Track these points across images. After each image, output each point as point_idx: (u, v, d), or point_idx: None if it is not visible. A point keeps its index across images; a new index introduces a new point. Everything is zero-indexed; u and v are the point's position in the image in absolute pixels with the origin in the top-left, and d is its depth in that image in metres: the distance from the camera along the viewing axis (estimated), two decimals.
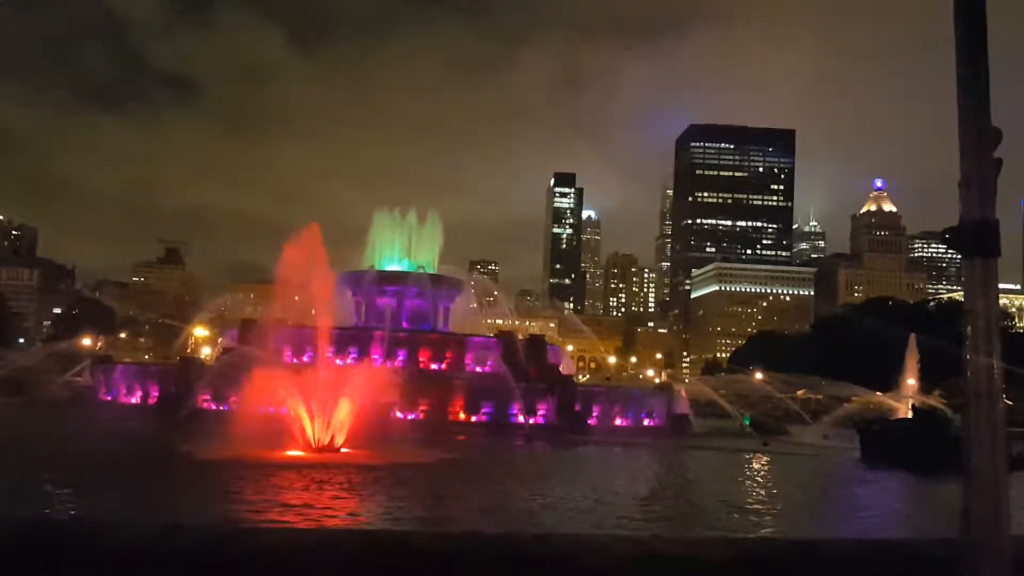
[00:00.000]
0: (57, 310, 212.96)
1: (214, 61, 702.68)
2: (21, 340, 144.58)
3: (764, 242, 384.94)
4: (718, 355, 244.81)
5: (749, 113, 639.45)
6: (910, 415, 45.53)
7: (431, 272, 66.45)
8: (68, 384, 60.45)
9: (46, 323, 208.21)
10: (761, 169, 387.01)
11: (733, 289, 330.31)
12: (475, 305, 74.37)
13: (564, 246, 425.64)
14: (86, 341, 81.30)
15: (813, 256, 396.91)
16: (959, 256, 4.14)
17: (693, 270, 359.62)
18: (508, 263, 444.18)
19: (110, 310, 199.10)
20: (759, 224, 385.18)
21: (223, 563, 4.43)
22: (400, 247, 68.69)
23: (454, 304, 67.59)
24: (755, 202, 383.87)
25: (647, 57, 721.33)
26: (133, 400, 52.75)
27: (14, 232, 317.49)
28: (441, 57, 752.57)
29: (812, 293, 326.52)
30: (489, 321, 75.51)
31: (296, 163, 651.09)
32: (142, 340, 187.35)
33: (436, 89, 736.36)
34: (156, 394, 51.94)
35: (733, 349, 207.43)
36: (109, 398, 53.45)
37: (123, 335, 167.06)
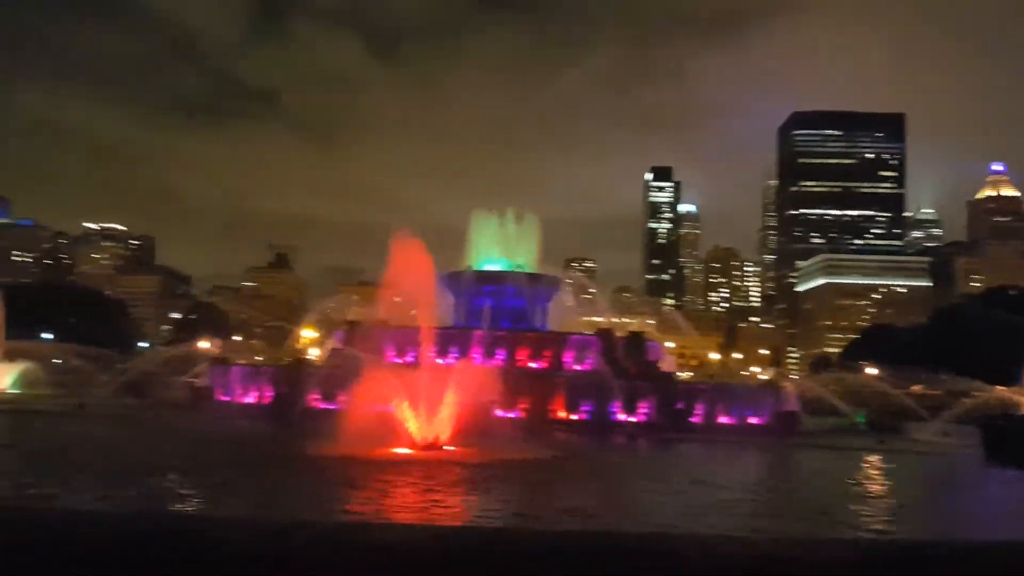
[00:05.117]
0: (175, 315, 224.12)
1: (296, 73, 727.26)
2: (143, 344, 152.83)
3: (874, 231, 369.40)
4: (827, 350, 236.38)
5: (853, 99, 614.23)
6: None
7: (528, 271, 66.71)
8: (188, 385, 63.38)
9: (165, 327, 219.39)
10: (870, 155, 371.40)
11: (842, 281, 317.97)
12: (572, 303, 74.21)
13: (662, 241, 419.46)
14: (203, 344, 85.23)
15: (928, 245, 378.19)
16: None
17: (798, 262, 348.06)
18: (604, 260, 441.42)
19: (224, 314, 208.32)
20: (869, 213, 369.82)
21: (337, 559, 4.57)
22: (498, 247, 69.24)
23: (552, 302, 67.65)
24: (864, 190, 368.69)
25: (729, 49, 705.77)
26: (249, 400, 54.86)
27: (133, 241, 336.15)
28: (519, 57, 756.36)
29: (928, 284, 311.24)
30: (586, 319, 75.12)
31: (382, 168, 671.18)
32: (254, 342, 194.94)
33: (517, 89, 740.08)
34: (270, 394, 53.90)
35: (843, 344, 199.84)
36: (226, 398, 55.70)
37: (237, 338, 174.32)
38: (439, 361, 43.55)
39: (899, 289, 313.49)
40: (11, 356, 69.89)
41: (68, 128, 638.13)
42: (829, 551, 4.72)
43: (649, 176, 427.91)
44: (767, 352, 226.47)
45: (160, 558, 4.50)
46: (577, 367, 54.63)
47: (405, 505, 18.86)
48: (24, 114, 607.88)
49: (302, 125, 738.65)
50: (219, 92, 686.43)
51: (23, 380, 66.75)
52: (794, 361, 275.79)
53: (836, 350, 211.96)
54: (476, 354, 51.84)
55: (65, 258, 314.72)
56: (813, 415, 59.19)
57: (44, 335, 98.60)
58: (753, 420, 52.43)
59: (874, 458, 37.24)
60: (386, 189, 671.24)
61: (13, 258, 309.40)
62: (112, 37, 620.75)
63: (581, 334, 60.08)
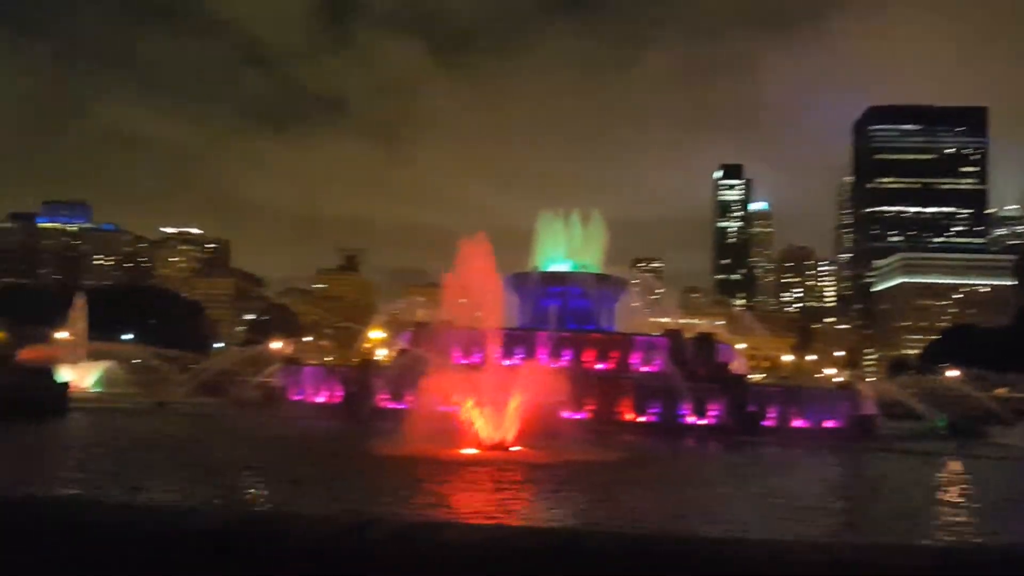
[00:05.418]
0: (249, 316, 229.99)
1: (361, 78, 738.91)
2: (218, 345, 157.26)
3: (955, 229, 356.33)
4: (905, 352, 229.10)
5: (932, 93, 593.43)
6: None
7: (595, 272, 66.35)
8: (262, 385, 64.92)
9: (239, 328, 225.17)
10: (950, 150, 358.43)
11: (921, 281, 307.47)
12: (640, 304, 73.52)
13: (732, 240, 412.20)
14: (276, 344, 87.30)
15: (1012, 243, 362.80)
16: None
17: (875, 261, 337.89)
18: (672, 260, 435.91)
19: (296, 315, 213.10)
20: (949, 209, 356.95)
21: (409, 557, 4.56)
22: (564, 248, 69.05)
23: (618, 303, 67.11)
24: (944, 186, 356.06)
25: (800, 43, 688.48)
26: (320, 399, 55.91)
27: (209, 245, 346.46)
28: (583, 57, 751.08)
29: (1012, 283, 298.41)
30: (654, 320, 74.29)
31: (447, 170, 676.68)
32: (324, 343, 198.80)
33: (582, 89, 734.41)
34: (340, 394, 54.83)
35: (923, 345, 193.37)
36: (298, 398, 56.86)
37: (308, 338, 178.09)
38: (505, 362, 43.64)
39: (981, 288, 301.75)
40: (94, 356, 72.78)
41: (146, 136, 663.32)
42: (906, 558, 4.51)
43: (718, 174, 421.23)
44: (843, 354, 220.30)
45: (235, 552, 4.57)
46: (645, 369, 54.07)
47: (472, 505, 18.92)
48: (104, 123, 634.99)
49: (368, 129, 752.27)
50: (288, 98, 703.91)
51: (105, 379, 69.46)
52: (871, 363, 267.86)
53: (915, 352, 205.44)
54: (542, 355, 51.75)
55: (144, 261, 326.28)
56: (891, 419, 57.36)
57: (125, 336, 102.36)
58: (828, 424, 51.04)
59: (956, 464, 35.87)
60: (451, 191, 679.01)
61: (95, 261, 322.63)
62: (185, 47, 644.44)
63: (648, 335, 59.43)
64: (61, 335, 79.57)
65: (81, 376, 65.58)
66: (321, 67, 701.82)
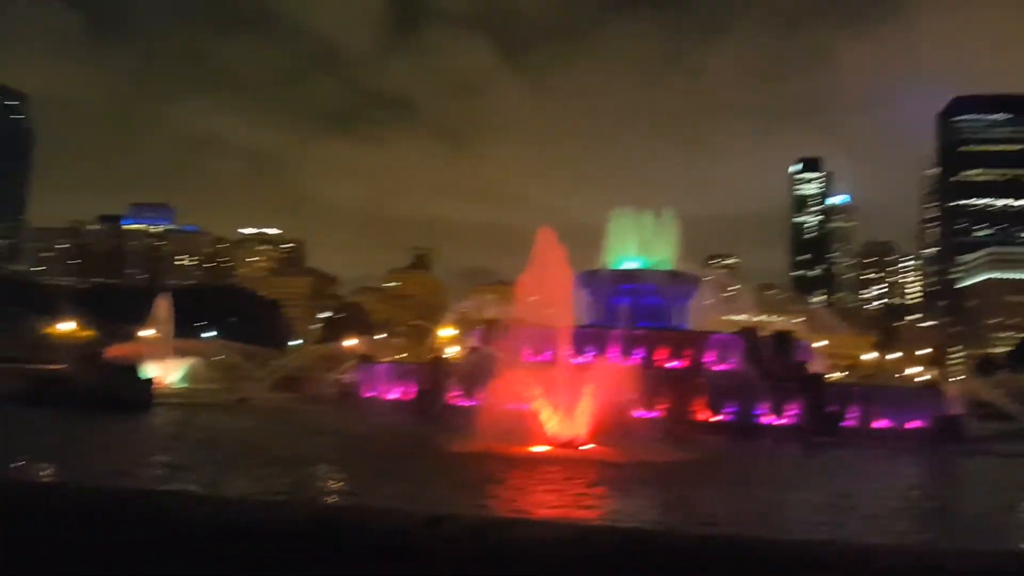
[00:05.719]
0: (324, 314, 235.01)
1: (429, 79, 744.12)
2: (295, 342, 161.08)
3: None
4: (993, 350, 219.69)
5: (1017, 82, 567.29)
6: None
7: (667, 269, 65.57)
8: (337, 382, 66.27)
9: (314, 326, 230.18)
10: None
11: (1011, 276, 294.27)
12: (713, 301, 72.31)
13: (811, 235, 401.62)
14: (350, 342, 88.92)
15: None
16: None
17: (962, 256, 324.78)
18: (748, 256, 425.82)
19: (368, 313, 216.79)
20: None
21: (481, 553, 4.54)
22: (636, 245, 68.45)
23: (691, 300, 66.17)
24: None
25: (882, 32, 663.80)
26: (393, 396, 56.71)
27: (285, 245, 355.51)
28: (655, 52, 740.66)
29: None
30: (729, 317, 72.94)
31: (515, 168, 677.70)
32: (396, 341, 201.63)
33: (654, 84, 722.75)
34: (412, 391, 55.51)
35: (1012, 344, 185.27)
36: (372, 394, 57.81)
37: (381, 336, 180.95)
38: (576, 360, 43.40)
39: None
40: (178, 353, 75.42)
41: (225, 138, 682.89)
42: (989, 562, 4.26)
43: (795, 168, 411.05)
44: (927, 352, 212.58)
45: (307, 546, 4.60)
46: (719, 367, 53.14)
47: (542, 502, 18.87)
48: (185, 126, 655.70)
49: (437, 129, 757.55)
50: (358, 99, 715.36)
51: (189, 376, 71.91)
52: (957, 362, 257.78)
53: (1004, 350, 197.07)
54: (613, 353, 51.33)
55: (225, 261, 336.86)
56: (979, 420, 55.03)
57: (206, 333, 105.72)
58: (912, 425, 49.26)
59: None
60: (520, 189, 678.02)
61: (178, 262, 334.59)
62: (261, 51, 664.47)
63: (723, 333, 58.41)
64: (147, 333, 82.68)
65: (166, 372, 68.06)
66: (391, 68, 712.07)
